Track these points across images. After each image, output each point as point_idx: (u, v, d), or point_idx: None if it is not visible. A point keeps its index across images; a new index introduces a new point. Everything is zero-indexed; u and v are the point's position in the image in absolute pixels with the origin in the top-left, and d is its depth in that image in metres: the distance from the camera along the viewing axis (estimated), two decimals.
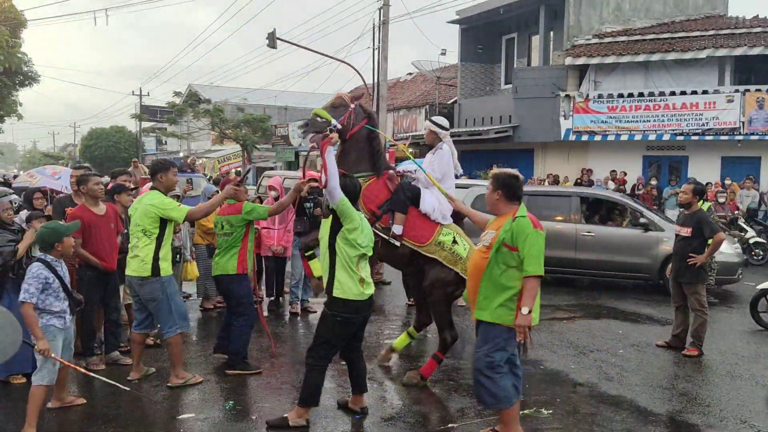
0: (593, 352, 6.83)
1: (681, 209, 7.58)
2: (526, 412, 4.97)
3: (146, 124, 42.52)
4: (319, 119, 5.41)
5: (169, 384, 5.41)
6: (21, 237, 5.44)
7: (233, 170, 30.66)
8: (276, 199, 8.20)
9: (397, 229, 5.54)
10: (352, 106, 5.57)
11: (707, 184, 15.95)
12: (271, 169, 28.63)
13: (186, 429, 4.63)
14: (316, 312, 8.31)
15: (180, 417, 4.84)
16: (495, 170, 4.41)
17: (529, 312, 3.95)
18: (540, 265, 3.97)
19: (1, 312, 4.42)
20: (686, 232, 6.88)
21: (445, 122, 5.99)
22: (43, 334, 4.34)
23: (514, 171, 4.46)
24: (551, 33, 21.02)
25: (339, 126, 5.42)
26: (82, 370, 5.11)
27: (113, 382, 5.11)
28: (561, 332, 7.72)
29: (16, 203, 7.71)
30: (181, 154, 40.26)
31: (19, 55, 23.56)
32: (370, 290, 4.57)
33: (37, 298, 4.38)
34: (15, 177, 18.92)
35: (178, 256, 7.46)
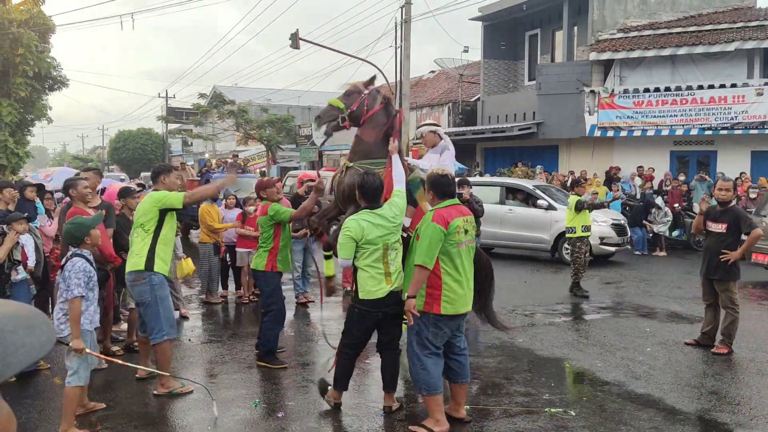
0: (620, 350, 6.76)
1: (714, 205, 7.10)
2: (552, 411, 4.95)
3: (172, 126, 42.94)
4: (331, 109, 5.51)
5: (154, 392, 5.29)
6: (1, 240, 5.52)
7: (258, 171, 30.83)
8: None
9: (405, 221, 5.49)
10: (366, 91, 5.55)
11: (736, 179, 15.69)
12: (296, 168, 28.77)
13: (213, 427, 4.69)
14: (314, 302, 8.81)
15: (205, 416, 4.90)
16: (429, 171, 4.77)
17: (409, 298, 4.28)
18: (426, 256, 4.23)
19: (34, 311, 4.53)
20: (721, 227, 6.68)
21: (432, 121, 6.32)
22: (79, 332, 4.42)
23: (444, 170, 4.68)
24: (575, 28, 20.80)
25: (352, 110, 5.47)
26: (121, 362, 5.28)
27: (153, 370, 5.27)
28: (587, 330, 7.65)
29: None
30: (207, 155, 40.66)
31: (48, 60, 23.98)
32: (396, 285, 4.62)
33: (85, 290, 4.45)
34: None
35: None
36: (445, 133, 6.48)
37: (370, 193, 4.72)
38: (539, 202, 13.13)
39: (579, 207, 9.60)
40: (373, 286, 4.57)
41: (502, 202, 13.81)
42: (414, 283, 4.27)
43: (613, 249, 13.09)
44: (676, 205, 15.21)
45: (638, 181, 16.97)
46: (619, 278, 11.44)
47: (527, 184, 14.30)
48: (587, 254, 9.87)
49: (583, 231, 9.73)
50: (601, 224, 12.86)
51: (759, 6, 21.49)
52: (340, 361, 4.89)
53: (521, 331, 7.57)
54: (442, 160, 5.90)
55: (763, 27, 17.72)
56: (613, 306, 9.12)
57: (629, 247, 14.00)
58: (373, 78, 5.78)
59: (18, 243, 5.61)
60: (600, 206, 11.10)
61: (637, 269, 12.49)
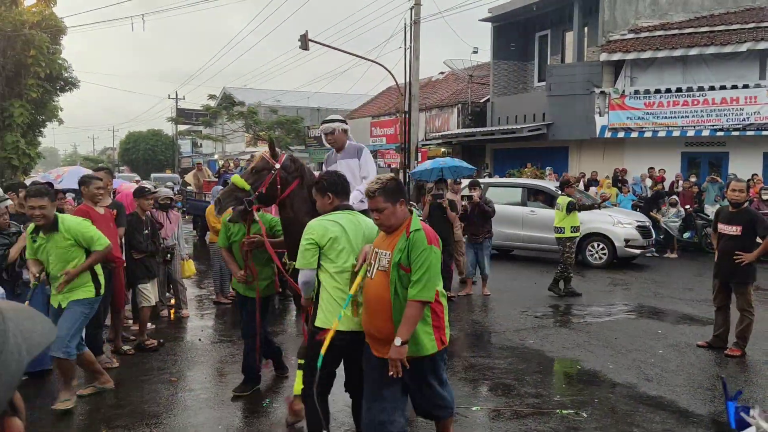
0: (631, 352, 6.71)
1: (725, 206, 7.01)
2: (563, 412, 4.92)
3: (182, 127, 43.19)
4: (235, 190, 4.54)
5: (52, 407, 4.86)
6: (15, 240, 5.57)
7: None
8: None
9: None
10: (278, 166, 4.53)
11: (749, 180, 15.55)
12: None
13: (223, 425, 4.69)
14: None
15: (216, 414, 4.91)
16: (368, 184, 3.57)
17: (403, 344, 3.29)
18: (428, 289, 3.30)
19: (21, 305, 4.55)
20: (735, 230, 6.53)
21: (341, 117, 5.45)
22: None
23: (390, 174, 4.01)
24: (585, 29, 20.71)
25: (259, 193, 4.51)
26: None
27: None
28: (598, 331, 7.61)
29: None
30: (216, 156, 40.80)
31: (60, 61, 24.16)
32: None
33: None
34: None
35: (169, 255, 7.81)
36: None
37: (341, 190, 3.94)
38: (590, 202, 12.48)
39: (570, 208, 9.62)
40: (334, 316, 3.69)
41: (523, 204, 13.62)
42: (410, 323, 3.31)
43: (638, 251, 12.83)
44: (688, 206, 15.11)
45: (649, 182, 16.88)
46: (630, 280, 11.37)
47: (550, 185, 13.98)
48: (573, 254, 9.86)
49: (572, 231, 9.73)
50: (627, 226, 12.69)
51: None
52: (307, 408, 3.97)
53: (532, 333, 7.54)
54: (366, 164, 5.10)
55: None
56: (624, 307, 9.07)
57: (654, 249, 13.78)
58: (275, 148, 4.66)
59: None
60: (590, 207, 11.06)
61: (648, 271, 12.41)
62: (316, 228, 3.75)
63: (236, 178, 4.65)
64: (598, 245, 12.78)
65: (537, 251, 13.63)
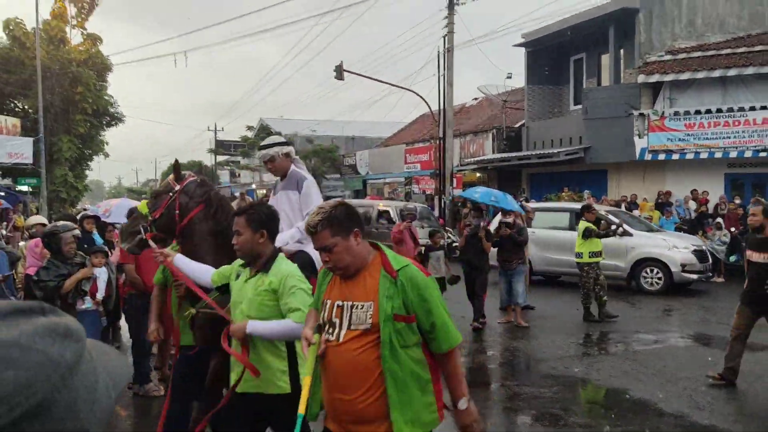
0: (681, 380, 6.56)
1: (752, 233, 6.45)
2: None
3: (221, 158, 44.20)
4: (137, 217, 4.05)
5: None
6: (76, 271, 5.63)
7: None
8: None
9: None
10: (178, 187, 3.89)
11: None
12: (340, 197, 29.12)
13: None
14: None
15: None
16: (308, 219, 2.71)
17: (469, 401, 2.63)
18: (455, 330, 2.62)
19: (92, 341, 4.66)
20: (763, 257, 6.08)
21: (282, 139, 4.47)
22: None
23: (336, 199, 3.47)
24: (621, 51, 20.62)
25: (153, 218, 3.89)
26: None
27: None
28: (646, 359, 7.46)
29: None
30: (254, 186, 41.54)
31: (106, 97, 25.09)
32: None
33: None
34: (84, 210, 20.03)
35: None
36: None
37: (273, 224, 3.30)
38: (612, 227, 12.22)
39: (587, 234, 9.59)
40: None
41: (571, 228, 12.93)
42: (462, 376, 2.68)
43: (695, 276, 12.33)
44: (733, 229, 14.77)
45: (693, 204, 16.57)
46: (678, 305, 11.14)
47: (599, 208, 13.37)
48: (597, 280, 9.68)
49: (590, 257, 9.68)
50: (683, 250, 12.34)
51: None
52: None
53: (577, 361, 7.44)
54: (308, 197, 4.09)
55: None
56: (673, 334, 8.88)
57: (711, 274, 13.13)
58: (180, 170, 4.08)
59: (91, 276, 5.79)
60: (606, 235, 10.35)
61: (695, 296, 12.12)
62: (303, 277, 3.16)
63: (141, 204, 4.17)
64: (653, 271, 12.40)
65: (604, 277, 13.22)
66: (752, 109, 16.97)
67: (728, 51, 18.50)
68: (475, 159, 24.48)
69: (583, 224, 9.80)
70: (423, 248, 10.20)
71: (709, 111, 17.54)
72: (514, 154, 22.65)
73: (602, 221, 11.17)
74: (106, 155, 27.30)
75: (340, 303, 2.61)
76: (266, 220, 3.15)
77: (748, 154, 17.06)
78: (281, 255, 3.27)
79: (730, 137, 17.22)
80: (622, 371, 6.93)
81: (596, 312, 9.60)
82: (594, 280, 9.66)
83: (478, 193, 12.44)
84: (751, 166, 17.61)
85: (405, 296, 2.52)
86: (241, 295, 3.20)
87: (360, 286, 2.60)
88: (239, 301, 3.22)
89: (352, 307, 2.57)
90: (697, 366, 7.09)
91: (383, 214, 18.05)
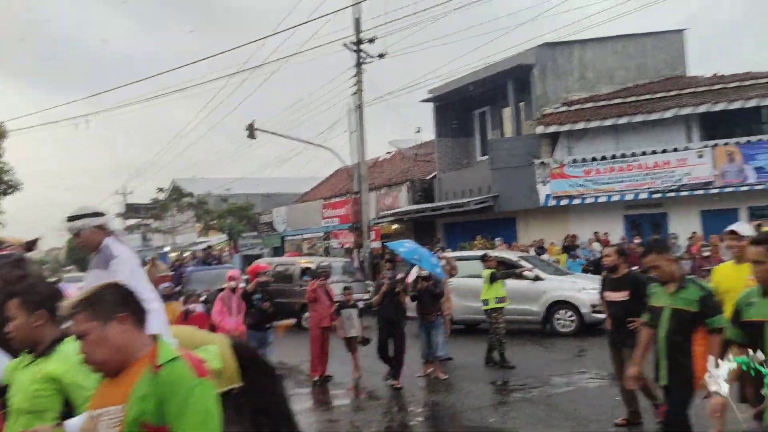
0: (592, 422, 6.67)
1: (608, 273, 6.67)
2: None
3: (131, 222, 42.66)
4: None
5: None
6: None
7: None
8: (233, 290, 9.07)
9: None
10: None
11: (689, 238, 16.15)
12: (259, 257, 28.58)
13: None
14: None
15: None
16: (67, 303, 2.19)
17: None
18: None
19: None
20: (620, 296, 6.16)
21: (94, 209, 3.70)
22: None
23: (111, 281, 2.39)
24: (521, 104, 21.72)
25: None
26: None
27: None
28: (559, 403, 7.56)
29: None
30: (167, 249, 40.17)
31: (0, 165, 23.84)
32: None
33: None
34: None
35: None
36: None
37: (55, 302, 2.64)
38: (525, 273, 12.65)
39: (493, 279, 10.02)
40: None
41: None
42: None
43: (604, 316, 12.74)
44: (636, 267, 15.48)
45: (597, 246, 17.32)
46: (589, 346, 11.43)
47: (511, 255, 14.01)
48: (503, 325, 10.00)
49: (496, 303, 9.98)
50: (591, 292, 12.63)
51: (691, 74, 22.84)
52: None
53: (493, 410, 7.45)
54: (116, 276, 3.20)
55: (697, 93, 18.83)
56: (583, 375, 9.09)
57: None
58: (35, 241, 3.65)
59: None
60: (509, 275, 11.06)
61: (605, 335, 12.48)
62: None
63: None
64: (566, 312, 12.72)
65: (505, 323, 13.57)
66: (643, 153, 18.19)
67: (618, 101, 19.89)
68: (391, 211, 24.79)
69: (486, 271, 10.17)
70: (337, 304, 10.05)
71: (604, 157, 18.65)
72: (427, 205, 23.11)
73: (500, 265, 11.61)
74: (2, 225, 25.74)
75: (95, 414, 2.01)
76: (113, 302, 2.15)
77: (643, 195, 18.16)
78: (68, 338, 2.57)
79: (624, 181, 18.32)
80: (537, 418, 7.00)
81: (497, 357, 9.81)
82: (501, 325, 9.91)
83: (405, 248, 12.47)
84: (647, 207, 18.74)
85: (162, 399, 1.92)
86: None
87: (121, 386, 1.99)
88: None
89: (101, 415, 1.99)
90: (608, 406, 7.25)
91: (306, 271, 17.79)
